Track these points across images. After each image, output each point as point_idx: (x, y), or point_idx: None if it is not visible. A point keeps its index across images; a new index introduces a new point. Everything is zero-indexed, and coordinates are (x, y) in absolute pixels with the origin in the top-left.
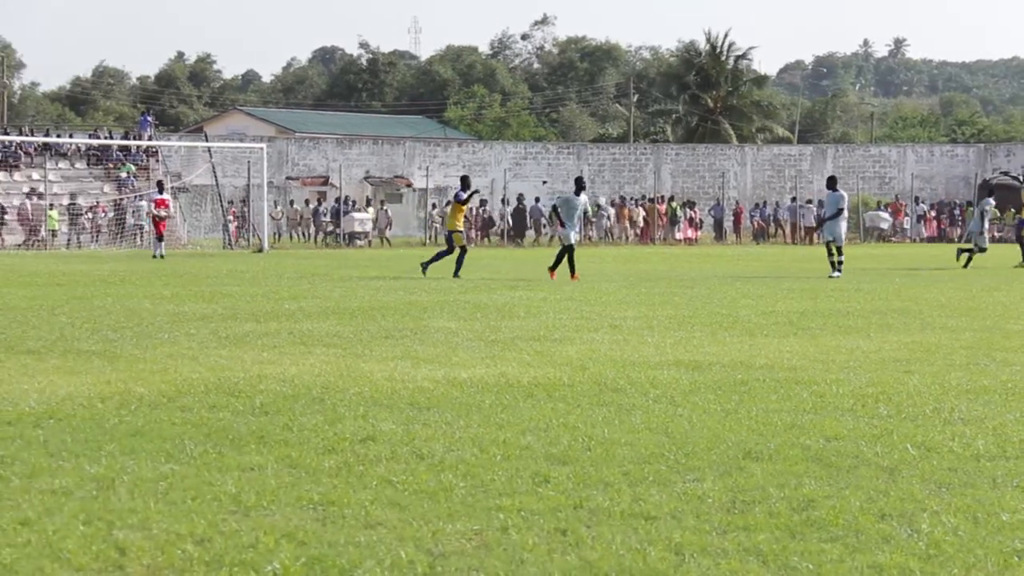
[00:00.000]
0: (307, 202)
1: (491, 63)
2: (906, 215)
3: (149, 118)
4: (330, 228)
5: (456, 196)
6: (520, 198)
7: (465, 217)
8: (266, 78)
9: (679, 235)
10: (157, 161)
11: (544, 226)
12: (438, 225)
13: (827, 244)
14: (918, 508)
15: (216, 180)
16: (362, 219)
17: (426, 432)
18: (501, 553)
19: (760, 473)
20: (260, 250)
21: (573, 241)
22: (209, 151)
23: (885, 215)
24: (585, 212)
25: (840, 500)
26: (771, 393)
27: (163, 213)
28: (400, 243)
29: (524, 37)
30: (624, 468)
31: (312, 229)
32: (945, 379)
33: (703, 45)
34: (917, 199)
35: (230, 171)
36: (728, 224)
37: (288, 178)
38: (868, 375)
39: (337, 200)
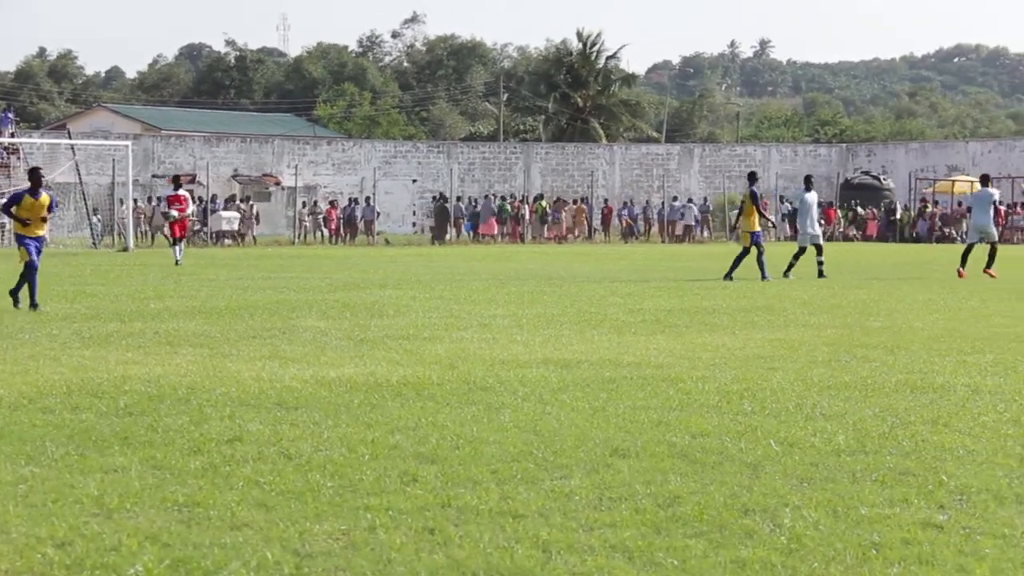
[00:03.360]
0: (149, 199)
1: (361, 61)
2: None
3: (10, 115)
4: (197, 227)
5: (752, 194)
6: (443, 197)
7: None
8: (131, 75)
9: (548, 234)
10: (19, 159)
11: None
12: (307, 224)
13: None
14: (780, 503)
15: (80, 178)
16: (230, 218)
17: (294, 432)
18: (368, 552)
19: (627, 470)
20: (125, 249)
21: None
22: (72, 148)
23: None
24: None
25: (705, 496)
26: (638, 390)
27: (174, 214)
28: (269, 242)
29: (395, 35)
30: (492, 466)
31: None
32: (807, 375)
33: (574, 44)
34: (782, 198)
35: (94, 169)
36: (597, 223)
37: (154, 176)
38: (733, 372)
39: (203, 199)
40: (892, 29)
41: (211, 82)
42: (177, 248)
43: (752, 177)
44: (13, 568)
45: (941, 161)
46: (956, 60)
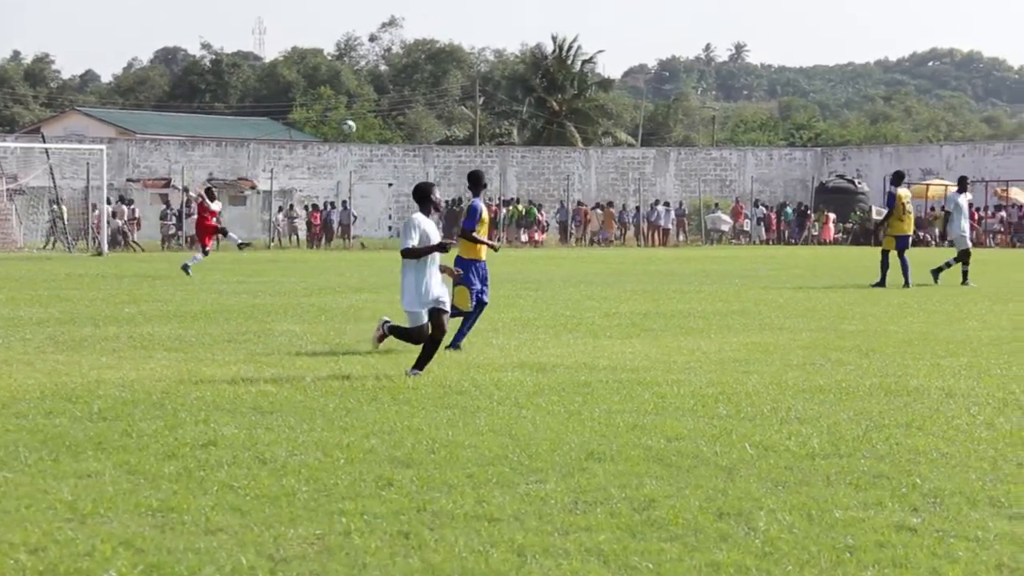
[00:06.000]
0: (121, 200)
1: (336, 65)
2: (746, 217)
3: None
4: (172, 231)
5: (890, 196)
6: (455, 201)
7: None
8: (106, 78)
9: (524, 237)
10: None
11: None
12: (282, 228)
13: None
14: (755, 506)
15: (54, 182)
16: None
17: (269, 436)
18: (343, 557)
19: (602, 474)
20: (99, 253)
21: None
22: (47, 152)
23: (726, 217)
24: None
25: (680, 500)
26: (614, 394)
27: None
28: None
29: (372, 39)
30: (468, 470)
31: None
32: (782, 379)
33: (550, 48)
34: (757, 202)
35: (68, 173)
36: (573, 226)
37: (129, 180)
38: (708, 375)
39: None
40: (866, 33)
41: (186, 86)
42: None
43: (897, 177)
44: None
45: (916, 165)
46: (930, 64)
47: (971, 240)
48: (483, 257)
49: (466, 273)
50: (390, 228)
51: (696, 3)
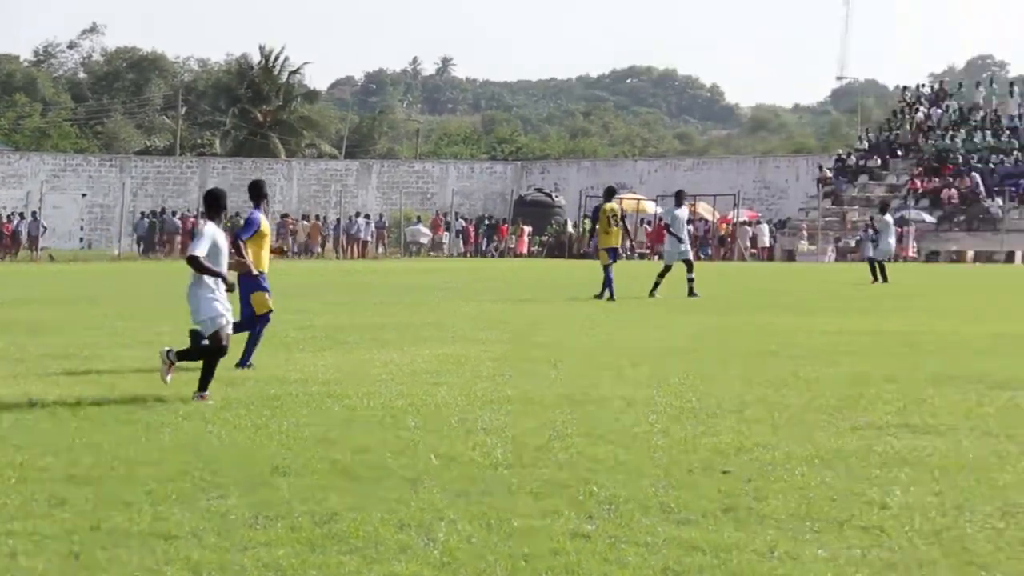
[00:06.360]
0: None
1: (32, 71)
2: (445, 230)
3: None
4: None
5: (595, 209)
6: (153, 213)
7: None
8: None
9: None
10: None
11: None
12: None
13: None
14: (436, 517)
15: None
16: None
17: None
18: None
19: (286, 488)
20: None
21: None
22: None
23: (425, 230)
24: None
25: (362, 512)
26: (303, 407)
27: None
28: None
29: (71, 46)
30: (147, 487)
31: None
32: (472, 390)
33: (256, 59)
34: (457, 214)
35: None
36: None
37: None
38: (399, 387)
39: None
40: (569, 50)
41: None
42: None
43: (607, 192)
44: None
45: (611, 179)
46: (629, 81)
47: (677, 253)
48: (266, 268)
49: (257, 279)
50: (81, 240)
51: (404, 17)
